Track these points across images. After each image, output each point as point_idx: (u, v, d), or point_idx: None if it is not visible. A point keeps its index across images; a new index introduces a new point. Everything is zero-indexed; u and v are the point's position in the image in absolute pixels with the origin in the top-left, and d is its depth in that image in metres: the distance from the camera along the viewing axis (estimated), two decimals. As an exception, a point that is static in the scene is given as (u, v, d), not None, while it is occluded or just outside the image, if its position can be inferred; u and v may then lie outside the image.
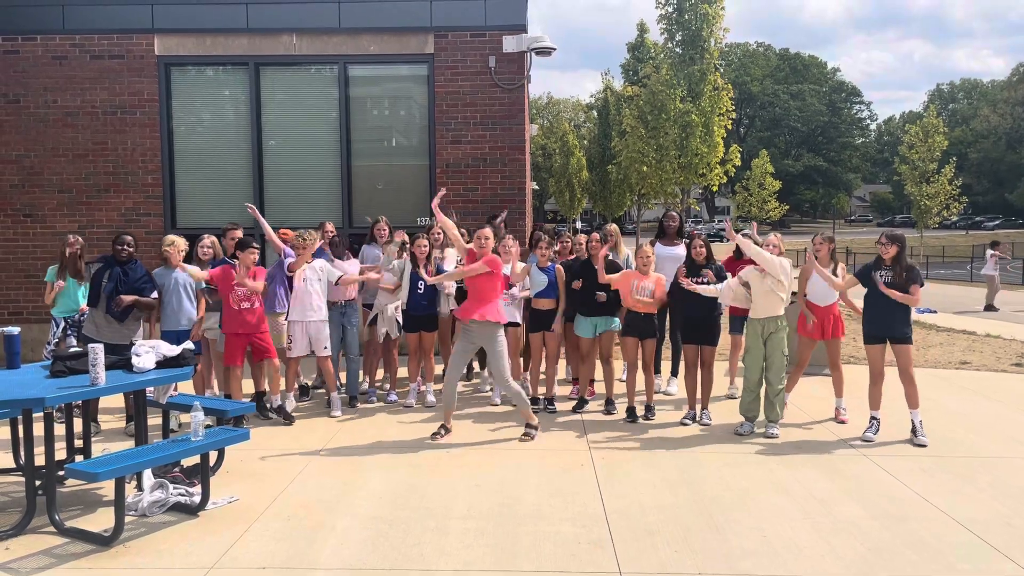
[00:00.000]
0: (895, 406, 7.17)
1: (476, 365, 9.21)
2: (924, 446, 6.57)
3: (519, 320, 7.97)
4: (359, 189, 10.88)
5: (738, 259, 8.06)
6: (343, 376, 8.23)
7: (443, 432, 6.85)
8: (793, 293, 9.17)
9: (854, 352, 10.85)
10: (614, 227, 8.28)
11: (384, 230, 8.44)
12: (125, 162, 10.67)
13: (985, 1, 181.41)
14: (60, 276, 7.49)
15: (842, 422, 7.30)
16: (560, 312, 7.74)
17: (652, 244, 7.99)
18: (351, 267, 8.05)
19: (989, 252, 19.98)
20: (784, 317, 6.96)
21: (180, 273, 7.19)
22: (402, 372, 8.75)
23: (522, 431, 6.89)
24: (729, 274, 7.47)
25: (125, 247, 6.85)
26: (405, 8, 10.50)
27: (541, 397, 7.87)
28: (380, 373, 8.58)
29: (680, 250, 8.31)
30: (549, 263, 7.78)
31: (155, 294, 7.01)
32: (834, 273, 7.25)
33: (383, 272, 7.94)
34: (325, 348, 7.58)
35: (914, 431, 6.71)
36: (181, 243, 7.28)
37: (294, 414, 7.53)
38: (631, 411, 7.41)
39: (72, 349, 5.63)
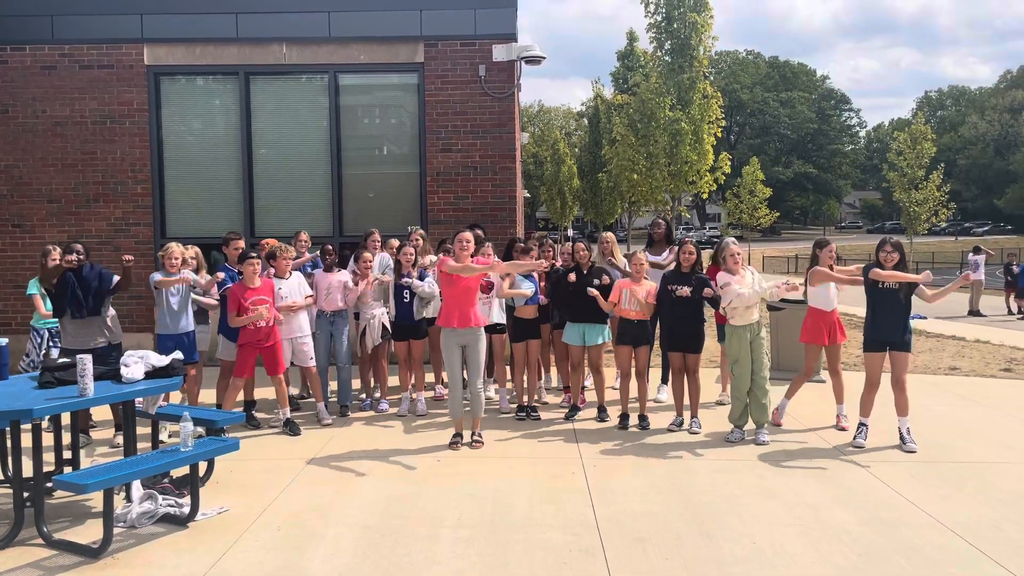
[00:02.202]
0: (885, 412, 7.20)
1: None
2: (913, 452, 6.59)
3: (503, 322, 7.94)
4: (350, 198, 10.87)
5: (718, 266, 8.05)
6: (333, 385, 8.21)
7: (459, 440, 6.84)
8: (798, 301, 9.22)
9: (843, 358, 10.88)
10: (610, 235, 8.42)
11: (378, 241, 8.49)
12: (114, 172, 10.64)
13: (970, 9, 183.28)
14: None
15: (843, 429, 7.29)
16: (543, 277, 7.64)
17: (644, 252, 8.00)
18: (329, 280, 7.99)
19: (980, 257, 19.94)
20: (760, 320, 6.99)
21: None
22: (393, 381, 8.73)
23: (473, 438, 6.89)
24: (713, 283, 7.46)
25: (74, 255, 6.85)
26: (395, 17, 10.52)
27: (527, 405, 7.86)
28: (371, 382, 8.56)
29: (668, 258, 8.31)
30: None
31: (116, 278, 6.96)
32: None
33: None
34: (311, 359, 7.62)
35: (902, 439, 6.73)
36: (178, 250, 7.25)
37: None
38: (624, 417, 7.41)
39: (60, 360, 5.60)
